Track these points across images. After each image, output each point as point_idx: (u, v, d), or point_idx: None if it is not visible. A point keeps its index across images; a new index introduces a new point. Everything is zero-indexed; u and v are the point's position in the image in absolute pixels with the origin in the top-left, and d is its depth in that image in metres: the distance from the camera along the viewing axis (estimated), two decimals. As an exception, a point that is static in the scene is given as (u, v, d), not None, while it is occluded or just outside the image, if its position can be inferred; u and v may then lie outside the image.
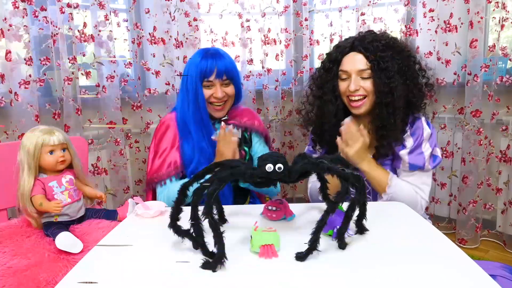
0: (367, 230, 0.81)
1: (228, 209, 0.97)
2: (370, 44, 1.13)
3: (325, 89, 1.21)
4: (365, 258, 0.72)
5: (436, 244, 0.78)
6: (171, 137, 1.31)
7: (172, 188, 1.27)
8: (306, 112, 1.31)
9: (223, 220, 0.93)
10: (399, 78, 1.12)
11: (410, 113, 1.18)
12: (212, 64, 1.25)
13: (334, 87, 1.20)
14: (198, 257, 0.72)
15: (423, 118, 1.19)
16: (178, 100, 1.37)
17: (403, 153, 1.15)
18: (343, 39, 2.07)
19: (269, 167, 0.74)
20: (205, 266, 0.69)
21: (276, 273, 0.68)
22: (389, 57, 1.11)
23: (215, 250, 0.68)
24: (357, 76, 1.15)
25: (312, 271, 0.67)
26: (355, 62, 1.15)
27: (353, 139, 1.15)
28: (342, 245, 0.75)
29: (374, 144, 1.19)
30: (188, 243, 0.78)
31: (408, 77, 1.14)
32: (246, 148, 1.38)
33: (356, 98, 1.15)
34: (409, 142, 1.16)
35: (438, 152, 1.18)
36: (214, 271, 0.68)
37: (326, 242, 0.78)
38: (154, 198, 1.34)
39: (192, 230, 0.72)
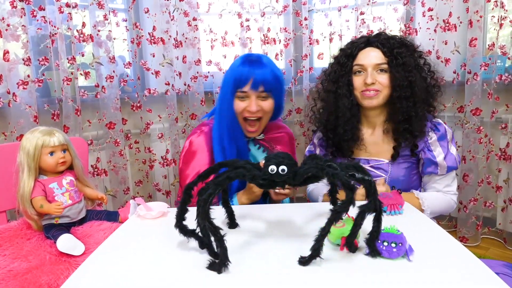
0: (379, 254, 0.69)
1: (238, 209, 0.95)
2: (386, 40, 1.17)
3: (340, 83, 1.21)
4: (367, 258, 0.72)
5: (440, 243, 0.78)
6: (197, 165, 1.20)
7: None
8: (318, 109, 1.30)
9: (233, 224, 0.89)
10: (417, 73, 1.15)
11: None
12: (249, 73, 1.11)
13: (349, 81, 1.20)
14: (203, 258, 0.71)
15: (440, 121, 1.22)
16: (215, 111, 1.24)
17: (440, 159, 1.18)
18: (343, 39, 2.11)
19: (272, 168, 0.72)
20: (210, 267, 0.68)
21: (279, 276, 0.67)
22: (405, 53, 1.15)
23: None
24: (373, 70, 1.16)
25: (316, 275, 0.66)
26: (371, 56, 1.17)
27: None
28: (352, 249, 0.71)
29: (391, 144, 1.21)
30: (192, 243, 0.77)
31: (422, 74, 1.18)
32: None
33: (371, 93, 1.16)
34: (438, 148, 1.18)
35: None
36: (219, 272, 0.67)
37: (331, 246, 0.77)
38: None
39: (198, 230, 0.71)
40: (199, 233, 0.71)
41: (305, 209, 1.00)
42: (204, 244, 0.73)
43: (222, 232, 0.66)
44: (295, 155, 1.37)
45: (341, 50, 1.27)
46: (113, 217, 1.20)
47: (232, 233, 0.86)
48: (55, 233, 1.07)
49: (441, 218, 2.15)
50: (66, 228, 1.12)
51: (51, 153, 1.12)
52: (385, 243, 0.68)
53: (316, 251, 0.66)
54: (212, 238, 0.68)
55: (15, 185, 1.12)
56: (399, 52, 1.14)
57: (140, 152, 2.02)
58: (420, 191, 1.26)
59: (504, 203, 1.93)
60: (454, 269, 0.66)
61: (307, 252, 0.68)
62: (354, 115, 1.21)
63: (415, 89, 1.14)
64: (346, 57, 1.21)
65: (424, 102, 1.17)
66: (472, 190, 1.95)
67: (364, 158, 1.24)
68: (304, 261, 0.68)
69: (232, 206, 0.90)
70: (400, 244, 0.67)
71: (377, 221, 0.68)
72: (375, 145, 1.23)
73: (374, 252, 0.69)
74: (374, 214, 0.68)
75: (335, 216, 0.65)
